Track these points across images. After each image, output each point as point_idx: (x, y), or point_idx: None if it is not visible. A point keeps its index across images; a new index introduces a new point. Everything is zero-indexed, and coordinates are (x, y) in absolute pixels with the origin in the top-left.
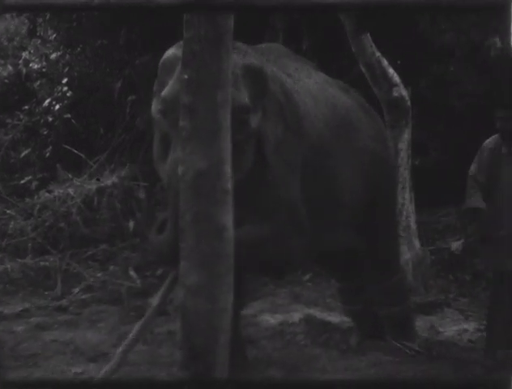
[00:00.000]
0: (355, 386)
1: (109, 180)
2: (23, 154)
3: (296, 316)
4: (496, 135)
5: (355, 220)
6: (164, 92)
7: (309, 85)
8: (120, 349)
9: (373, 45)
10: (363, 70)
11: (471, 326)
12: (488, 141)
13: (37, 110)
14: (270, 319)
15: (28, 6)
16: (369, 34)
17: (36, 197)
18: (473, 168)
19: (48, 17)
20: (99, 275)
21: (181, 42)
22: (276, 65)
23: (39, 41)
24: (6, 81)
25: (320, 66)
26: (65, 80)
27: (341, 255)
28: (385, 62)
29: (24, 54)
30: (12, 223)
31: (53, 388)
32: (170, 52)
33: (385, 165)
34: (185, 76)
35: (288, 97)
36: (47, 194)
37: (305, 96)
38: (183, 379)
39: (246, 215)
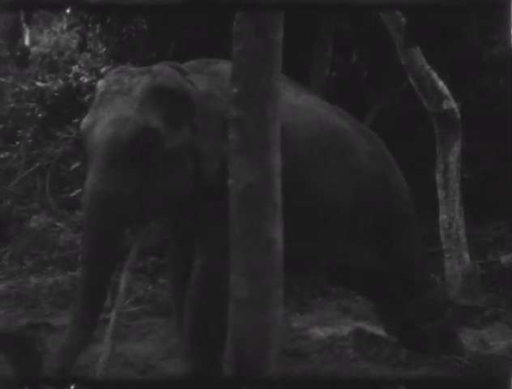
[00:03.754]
0: None
1: None
2: (73, 167)
3: (346, 329)
4: None
5: (367, 238)
6: (81, 125)
7: (293, 101)
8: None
9: (423, 58)
10: (412, 82)
11: None
12: None
13: None
14: (320, 333)
15: (26, 4)
16: (418, 47)
17: None
18: None
19: (98, 31)
20: (148, 287)
21: (115, 70)
22: None
23: (89, 55)
24: (57, 95)
25: (369, 79)
26: None
27: (364, 276)
28: (434, 75)
29: (74, 68)
30: (62, 235)
31: (52, 385)
32: (99, 82)
33: (387, 184)
34: (235, 90)
35: None
36: None
37: (285, 109)
38: None
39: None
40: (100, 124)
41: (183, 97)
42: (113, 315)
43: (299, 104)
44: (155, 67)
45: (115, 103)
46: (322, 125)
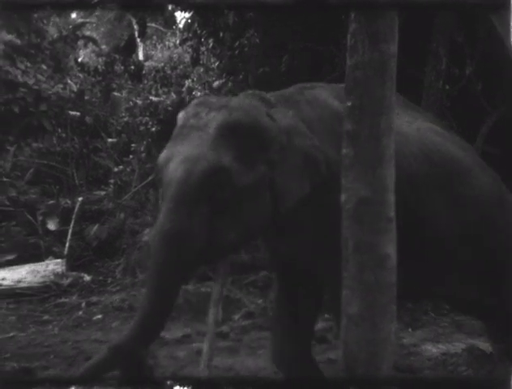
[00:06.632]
0: None
1: None
2: None
3: (459, 346)
4: None
5: (468, 271)
6: (159, 158)
7: (403, 128)
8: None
9: None
10: None
11: None
12: None
13: None
14: (433, 349)
15: (26, 4)
16: None
17: None
18: None
19: (211, 45)
20: (259, 301)
21: (196, 100)
22: None
23: (201, 69)
24: (170, 108)
25: (484, 91)
26: None
27: (469, 306)
28: None
29: (187, 82)
30: None
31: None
32: (179, 113)
33: (498, 226)
34: (349, 103)
35: None
36: None
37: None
38: None
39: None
40: (174, 160)
41: (259, 133)
42: (205, 343)
43: (410, 132)
44: (234, 101)
45: (190, 138)
46: (430, 154)
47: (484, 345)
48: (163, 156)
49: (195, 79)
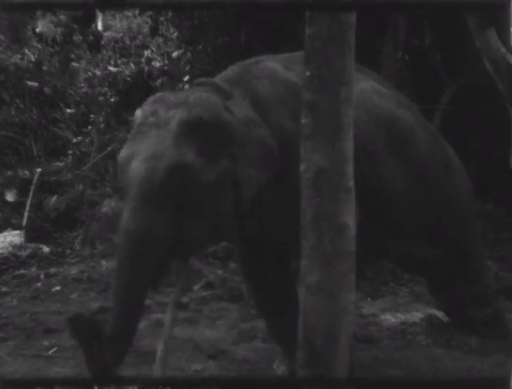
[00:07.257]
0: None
1: None
2: None
3: (418, 316)
4: None
5: (421, 231)
6: (118, 157)
7: None
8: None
9: (499, 41)
10: (487, 65)
11: None
12: None
13: None
14: (392, 319)
15: (27, 5)
16: (494, 30)
17: None
18: None
19: (170, 16)
20: (219, 272)
21: (152, 98)
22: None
23: (161, 40)
24: (129, 79)
25: (443, 62)
26: (186, 78)
27: (415, 261)
28: (511, 58)
29: (146, 53)
30: None
31: (50, 387)
32: (137, 111)
33: (443, 185)
34: (308, 73)
35: None
36: None
37: None
38: (303, 378)
39: None
40: (136, 158)
41: (220, 128)
42: (159, 344)
43: None
44: (192, 97)
45: (150, 136)
46: (375, 116)
47: (443, 315)
48: (123, 154)
49: (154, 49)
